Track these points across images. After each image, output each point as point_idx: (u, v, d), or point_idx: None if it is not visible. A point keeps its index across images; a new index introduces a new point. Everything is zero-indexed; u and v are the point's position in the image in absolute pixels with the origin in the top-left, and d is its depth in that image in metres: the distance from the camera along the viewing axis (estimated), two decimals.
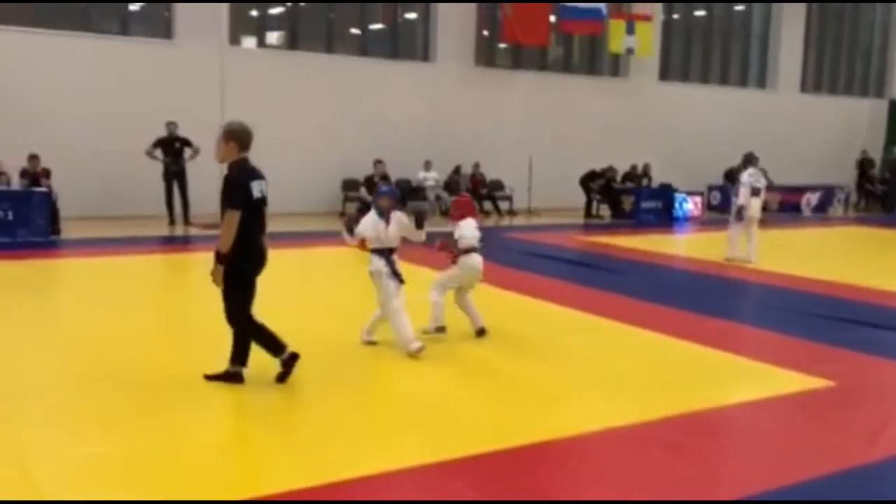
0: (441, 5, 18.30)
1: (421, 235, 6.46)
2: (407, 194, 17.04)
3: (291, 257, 11.40)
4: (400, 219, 6.39)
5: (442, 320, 6.95)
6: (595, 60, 21.33)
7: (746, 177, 11.83)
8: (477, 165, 17.56)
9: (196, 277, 10.78)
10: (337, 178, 16.86)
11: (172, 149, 14.18)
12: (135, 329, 7.07)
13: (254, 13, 17.30)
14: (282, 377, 5.44)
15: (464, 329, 7.18)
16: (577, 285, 9.75)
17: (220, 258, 5.13)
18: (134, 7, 16.37)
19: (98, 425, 4.69)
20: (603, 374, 6.07)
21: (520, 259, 11.42)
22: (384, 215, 6.32)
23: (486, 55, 19.53)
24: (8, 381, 5.48)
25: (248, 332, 5.41)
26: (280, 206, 15.77)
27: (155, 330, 7.32)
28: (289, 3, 17.56)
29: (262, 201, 5.31)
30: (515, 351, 6.74)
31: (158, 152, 14.09)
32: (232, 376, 5.45)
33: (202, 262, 11.44)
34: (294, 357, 5.43)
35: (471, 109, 18.48)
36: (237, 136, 5.27)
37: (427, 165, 17.48)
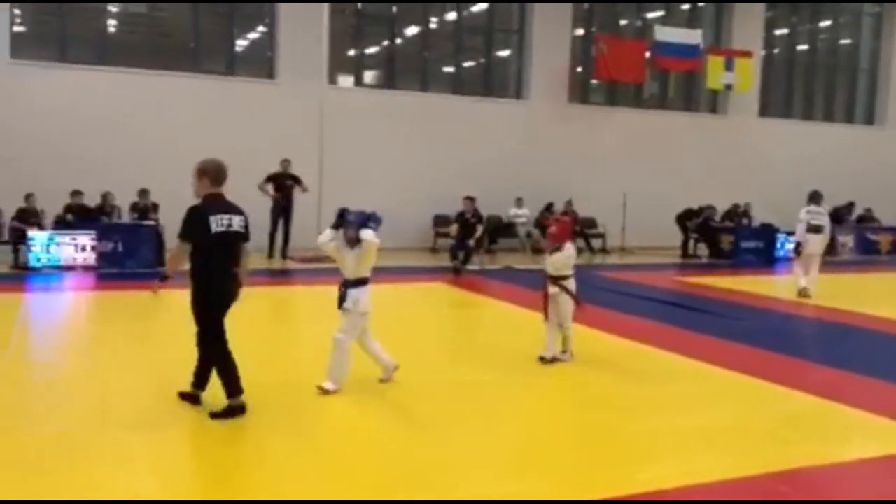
0: (535, 42, 18.39)
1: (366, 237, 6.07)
2: (497, 230, 17.07)
3: (379, 293, 11.48)
4: (366, 244, 6.11)
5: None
6: (692, 96, 20.93)
7: (804, 213, 12.02)
8: (569, 202, 17.37)
9: (288, 310, 11.01)
10: (428, 213, 17.02)
11: (284, 185, 14.56)
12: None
13: (351, 53, 17.80)
14: (183, 395, 5.64)
15: (557, 370, 7.05)
16: (673, 327, 9.41)
17: (162, 279, 5.59)
18: (239, 48, 17.11)
19: (183, 457, 4.78)
20: (704, 422, 5.78)
21: (613, 299, 11.15)
22: (350, 245, 6.12)
23: (579, 92, 19.45)
24: (97, 409, 5.66)
25: (221, 355, 5.49)
26: None
27: (249, 359, 7.44)
28: (385, 43, 17.99)
29: (227, 235, 5.40)
30: (608, 395, 6.55)
31: (270, 187, 14.48)
32: (233, 410, 5.41)
33: (297, 295, 11.74)
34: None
35: (563, 146, 18.39)
36: (209, 172, 5.51)
37: (518, 202, 17.44)
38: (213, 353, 5.48)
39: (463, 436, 5.36)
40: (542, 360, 7.23)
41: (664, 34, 18.89)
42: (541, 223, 15.18)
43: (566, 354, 7.31)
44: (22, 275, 11.93)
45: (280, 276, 13.33)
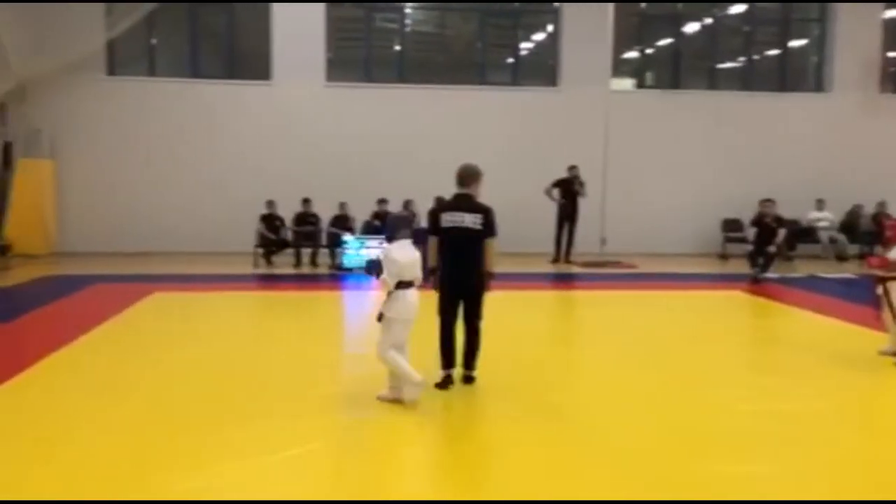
0: (839, 30, 16.81)
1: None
2: (796, 235, 15.79)
3: (672, 300, 11.15)
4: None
5: None
6: None
7: None
8: (882, 205, 15.60)
9: (565, 310, 11.04)
10: (716, 217, 16.24)
11: (570, 190, 14.75)
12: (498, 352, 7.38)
13: (632, 54, 17.51)
14: (440, 384, 6.05)
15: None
16: None
17: (429, 272, 6.04)
18: (521, 58, 17.57)
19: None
20: None
21: None
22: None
23: (893, 80, 17.42)
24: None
25: (441, 332, 6.09)
26: (655, 246, 15.78)
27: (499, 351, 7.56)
28: (669, 41, 17.48)
29: (454, 230, 5.91)
30: None
31: (556, 193, 14.74)
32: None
33: (580, 300, 11.74)
34: (445, 381, 6.07)
35: (874, 142, 16.63)
36: (457, 175, 6.11)
37: (819, 205, 16.04)
38: (441, 332, 6.08)
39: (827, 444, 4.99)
40: (883, 353, 7.26)
41: None
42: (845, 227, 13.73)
43: None
44: (339, 275, 13.25)
45: (567, 280, 13.47)
